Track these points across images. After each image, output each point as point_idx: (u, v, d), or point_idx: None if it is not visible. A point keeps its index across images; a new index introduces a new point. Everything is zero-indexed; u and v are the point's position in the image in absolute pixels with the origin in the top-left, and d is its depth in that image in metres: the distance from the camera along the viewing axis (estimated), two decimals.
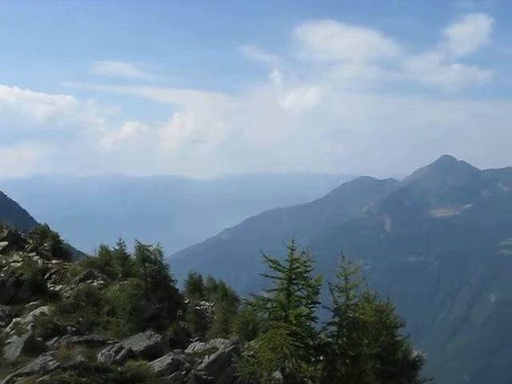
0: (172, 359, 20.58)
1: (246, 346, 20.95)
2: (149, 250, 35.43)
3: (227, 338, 25.86)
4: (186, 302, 41.24)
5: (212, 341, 26.92)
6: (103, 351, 19.85)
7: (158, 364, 20.10)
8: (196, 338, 32.52)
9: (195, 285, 47.94)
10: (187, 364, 21.42)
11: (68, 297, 32.41)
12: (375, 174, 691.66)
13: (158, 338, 23.50)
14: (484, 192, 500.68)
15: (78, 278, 35.76)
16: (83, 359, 17.22)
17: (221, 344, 25.04)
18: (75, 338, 22.26)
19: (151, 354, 21.63)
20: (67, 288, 34.62)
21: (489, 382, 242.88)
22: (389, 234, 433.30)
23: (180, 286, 44.03)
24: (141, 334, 23.92)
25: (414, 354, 25.55)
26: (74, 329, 25.59)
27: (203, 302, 42.64)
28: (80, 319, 28.46)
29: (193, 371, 21.00)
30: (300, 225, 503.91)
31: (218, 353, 23.17)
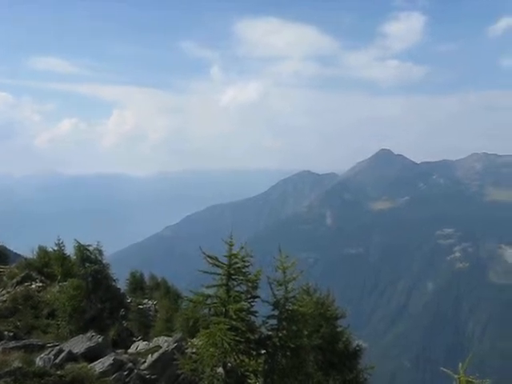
0: (113, 360, 20.33)
1: (189, 343, 20.91)
2: (88, 250, 34.67)
3: (171, 336, 25.73)
4: (129, 301, 40.75)
5: (155, 339, 26.73)
6: (42, 355, 19.40)
7: (99, 365, 19.81)
8: (139, 338, 32.22)
9: (137, 283, 47.35)
10: (130, 364, 21.19)
11: (5, 301, 31.54)
12: (315, 168, 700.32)
13: (100, 339, 23.14)
14: (420, 184, 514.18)
15: (15, 280, 34.87)
16: (20, 365, 16.78)
17: (164, 342, 24.90)
18: (12, 344, 21.66)
19: (93, 355, 21.28)
20: (4, 292, 33.72)
21: (427, 366, 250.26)
22: (330, 227, 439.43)
23: (122, 285, 43.41)
24: (81, 335, 23.50)
25: (355, 343, 26.10)
26: (11, 334, 24.90)
27: (146, 301, 42.23)
28: (18, 323, 27.73)
29: (135, 371, 20.82)
30: (242, 220, 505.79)
31: (161, 351, 23.02)
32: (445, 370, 14.66)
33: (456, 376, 14.52)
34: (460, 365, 14.42)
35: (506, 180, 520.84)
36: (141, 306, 38.83)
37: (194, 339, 18.53)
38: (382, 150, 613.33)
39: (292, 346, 16.14)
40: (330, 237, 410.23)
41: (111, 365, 19.83)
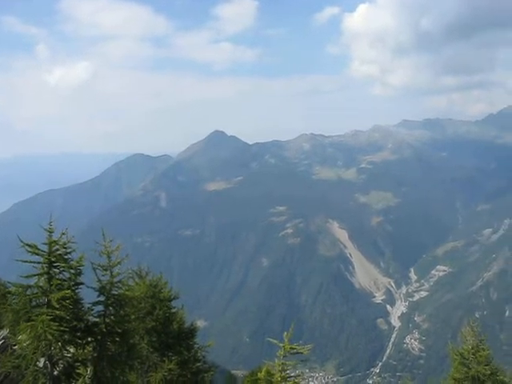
0: None
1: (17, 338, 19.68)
2: None
3: None
4: None
5: None
6: None
7: None
8: None
9: None
10: None
11: None
12: (149, 151, 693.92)
13: None
14: (253, 164, 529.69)
15: None
16: None
17: None
18: None
19: None
20: None
21: (265, 338, 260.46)
22: (165, 209, 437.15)
23: None
24: None
25: (189, 323, 26.36)
26: None
27: None
28: None
29: None
30: (75, 206, 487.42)
31: None
32: (271, 340, 15.58)
33: (281, 344, 15.48)
34: (285, 334, 15.40)
35: (331, 159, 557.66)
36: None
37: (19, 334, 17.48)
38: (216, 131, 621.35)
39: (119, 330, 15.88)
40: (166, 219, 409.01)
41: None
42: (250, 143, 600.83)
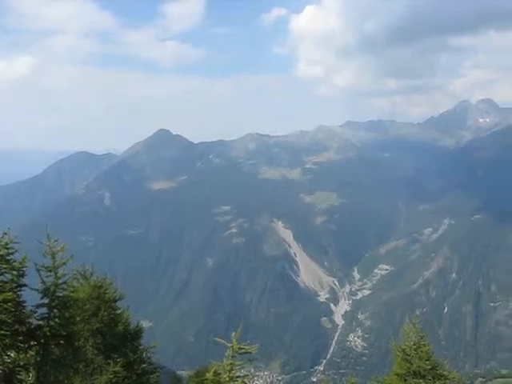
0: None
1: None
2: None
3: None
4: None
5: None
6: None
7: None
8: None
9: None
10: None
11: None
12: (93, 148, 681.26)
13: None
14: (198, 164, 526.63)
15: None
16: None
17: None
18: None
19: None
20: None
21: (210, 338, 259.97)
22: (109, 208, 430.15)
23: None
24: None
25: (135, 324, 25.91)
26: None
27: None
28: None
29: None
30: (16, 204, 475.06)
31: None
32: (218, 339, 15.52)
33: (229, 345, 15.45)
34: (233, 334, 15.38)
35: (276, 159, 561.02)
36: None
37: None
38: (161, 130, 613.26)
39: (64, 333, 15.44)
40: (110, 218, 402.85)
41: None
42: (195, 142, 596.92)
